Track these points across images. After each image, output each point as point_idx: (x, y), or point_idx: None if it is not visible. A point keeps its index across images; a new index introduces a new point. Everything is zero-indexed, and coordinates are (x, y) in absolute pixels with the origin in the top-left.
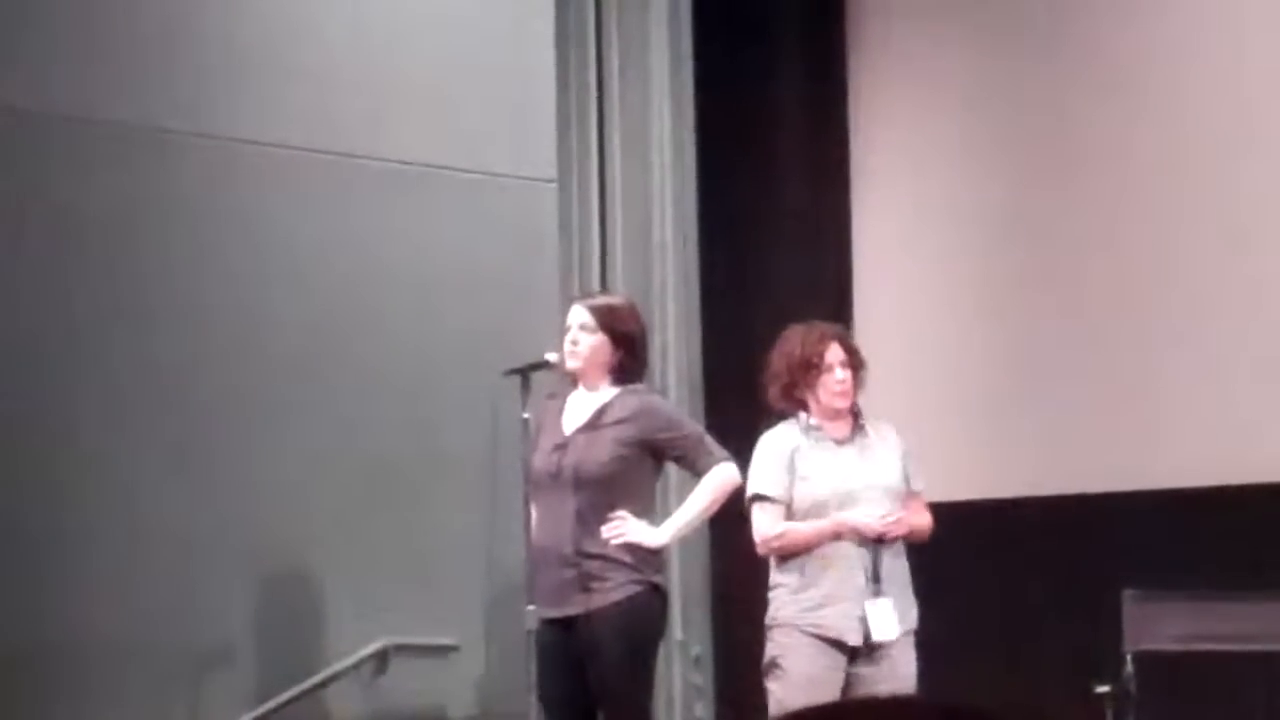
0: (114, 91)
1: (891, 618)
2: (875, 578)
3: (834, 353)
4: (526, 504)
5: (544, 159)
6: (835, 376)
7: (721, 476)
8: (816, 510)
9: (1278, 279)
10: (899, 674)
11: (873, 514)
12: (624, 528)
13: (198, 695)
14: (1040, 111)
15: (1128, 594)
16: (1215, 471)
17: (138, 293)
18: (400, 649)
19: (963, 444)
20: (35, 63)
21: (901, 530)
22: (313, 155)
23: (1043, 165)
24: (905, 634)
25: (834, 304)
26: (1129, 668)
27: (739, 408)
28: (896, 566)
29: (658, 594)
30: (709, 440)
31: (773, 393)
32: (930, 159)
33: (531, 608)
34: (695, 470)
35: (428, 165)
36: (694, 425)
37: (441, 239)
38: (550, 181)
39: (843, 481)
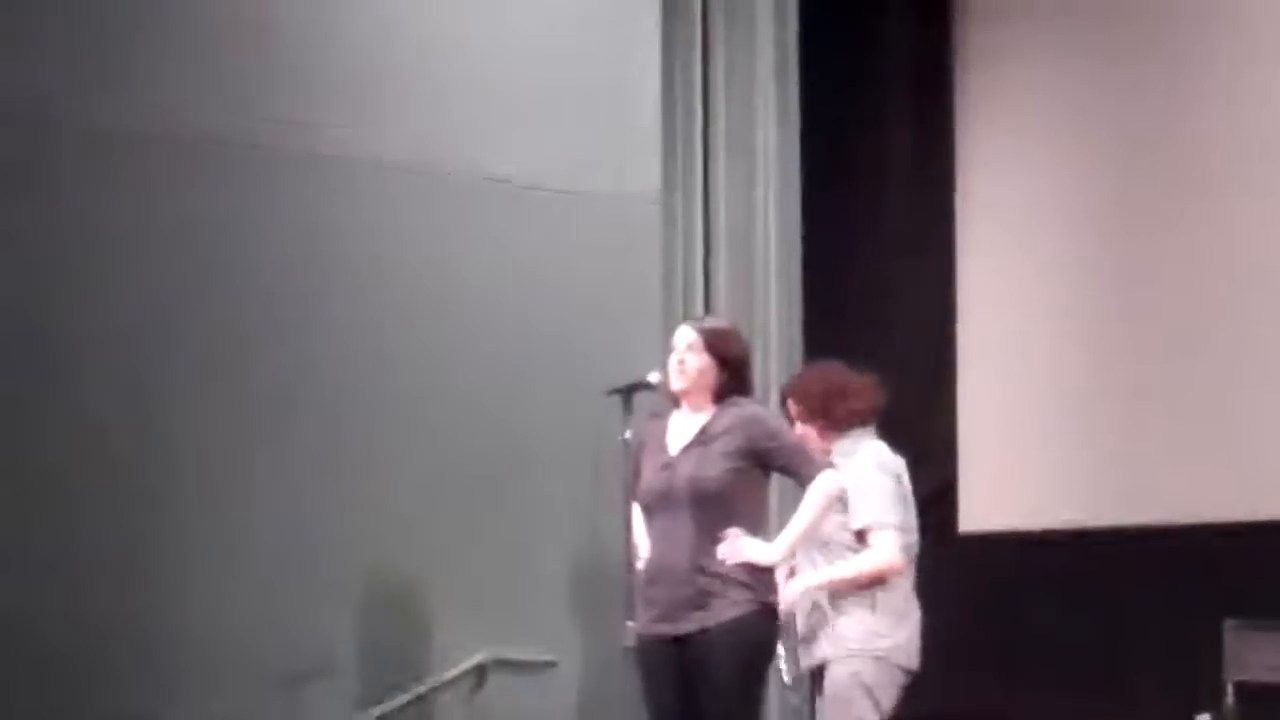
0: (214, 107)
1: None
2: None
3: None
4: (627, 523)
5: (648, 177)
6: None
7: (826, 486)
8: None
9: None
10: None
11: None
12: (738, 546)
13: (296, 706)
14: (1150, 122)
15: (1229, 624)
16: None
17: (242, 308)
18: (499, 664)
19: (1064, 470)
20: (140, 81)
21: None
22: (416, 173)
23: (1152, 176)
24: None
25: (937, 324)
26: (1229, 698)
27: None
28: None
29: (770, 614)
30: (811, 449)
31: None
32: (1036, 171)
33: (631, 625)
34: (799, 479)
35: (531, 185)
36: (796, 435)
37: (545, 258)
38: (654, 201)
39: None
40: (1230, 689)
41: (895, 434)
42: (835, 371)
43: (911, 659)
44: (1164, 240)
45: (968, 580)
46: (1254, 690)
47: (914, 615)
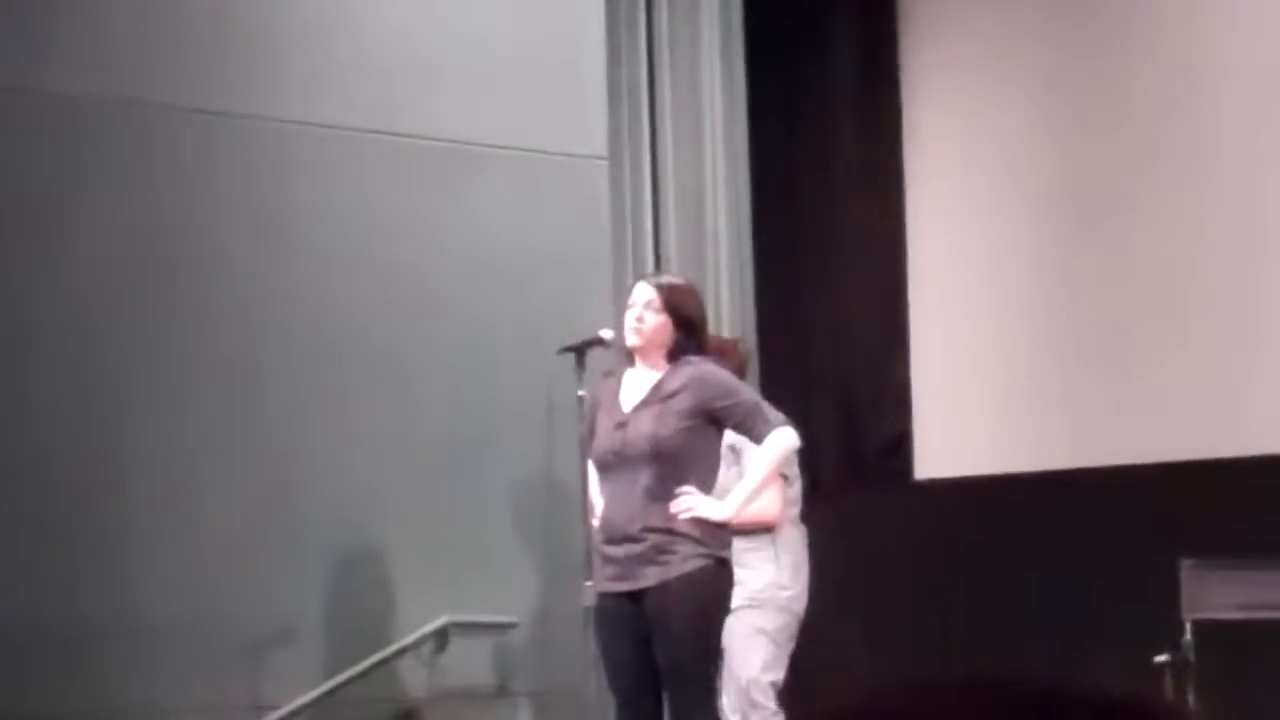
0: (162, 74)
1: None
2: None
3: None
4: (584, 481)
5: (595, 136)
6: None
7: (781, 443)
8: None
9: None
10: None
11: None
12: (691, 503)
13: (261, 673)
14: (1097, 91)
15: (1186, 563)
16: (1274, 440)
17: (191, 282)
18: (460, 626)
19: (1020, 416)
20: (87, 47)
21: None
22: (364, 136)
23: (1101, 130)
24: None
25: (887, 276)
26: (1188, 637)
27: (793, 381)
28: None
29: (724, 568)
30: (765, 406)
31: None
32: (984, 132)
33: (589, 584)
34: (753, 437)
35: (479, 144)
36: (750, 392)
37: (494, 218)
38: (602, 159)
39: None
40: (1188, 628)
41: (850, 385)
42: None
43: (803, 606)
44: (1112, 189)
45: (924, 527)
46: (1211, 628)
47: (806, 567)
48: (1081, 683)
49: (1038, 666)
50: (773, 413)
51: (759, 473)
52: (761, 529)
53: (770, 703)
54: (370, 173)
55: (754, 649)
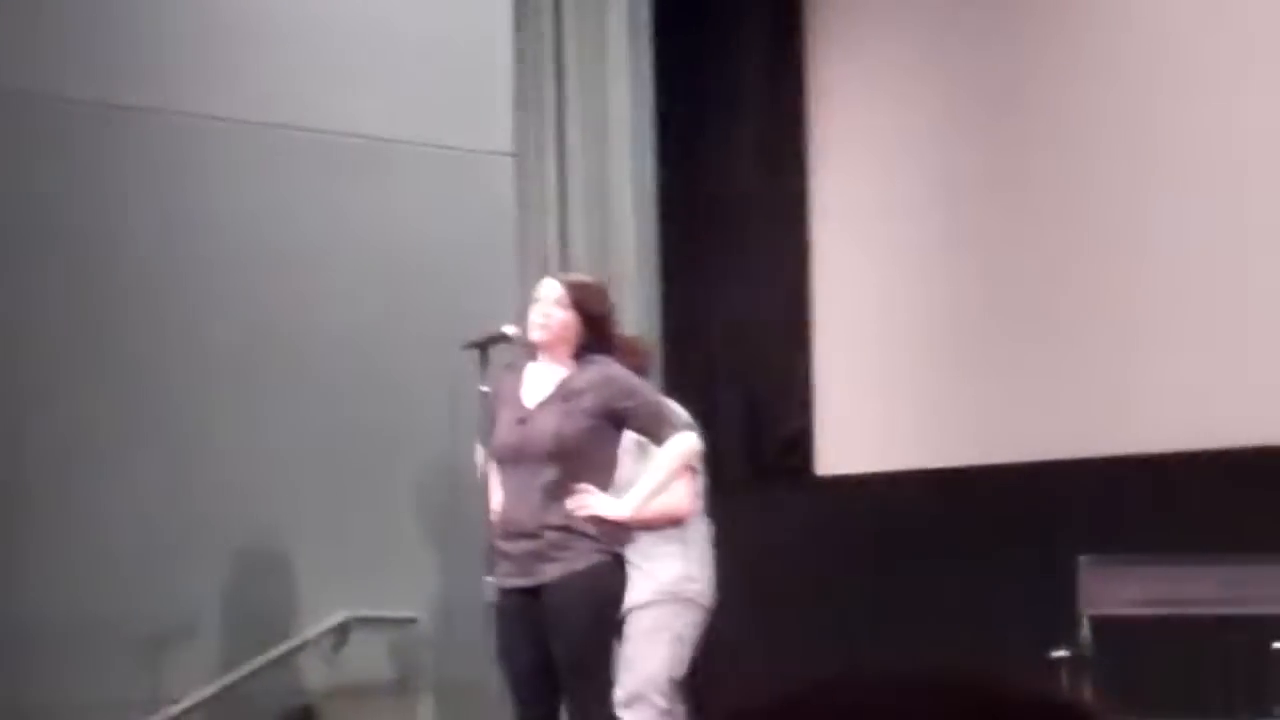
0: (58, 66)
1: None
2: None
3: None
4: (484, 476)
5: (501, 132)
6: None
7: (681, 446)
8: None
9: (1241, 245)
10: None
11: None
12: (589, 501)
13: (162, 667)
14: (1003, 86)
15: (1084, 559)
16: (1171, 438)
17: (99, 273)
18: (361, 621)
19: (920, 413)
20: (8, 41)
21: None
22: (271, 130)
23: (1005, 119)
24: None
25: (791, 274)
26: (1085, 632)
27: (697, 377)
28: None
29: (619, 565)
30: (668, 409)
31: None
32: (887, 131)
33: (490, 579)
34: (655, 439)
35: (386, 139)
36: (654, 394)
37: (398, 213)
38: (508, 155)
39: None
40: (1086, 623)
41: (752, 381)
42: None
43: (711, 600)
44: (1018, 182)
45: (823, 522)
46: (1109, 624)
47: (711, 560)
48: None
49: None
50: (676, 415)
51: (657, 474)
52: (671, 523)
53: (664, 701)
54: (277, 167)
55: (658, 644)
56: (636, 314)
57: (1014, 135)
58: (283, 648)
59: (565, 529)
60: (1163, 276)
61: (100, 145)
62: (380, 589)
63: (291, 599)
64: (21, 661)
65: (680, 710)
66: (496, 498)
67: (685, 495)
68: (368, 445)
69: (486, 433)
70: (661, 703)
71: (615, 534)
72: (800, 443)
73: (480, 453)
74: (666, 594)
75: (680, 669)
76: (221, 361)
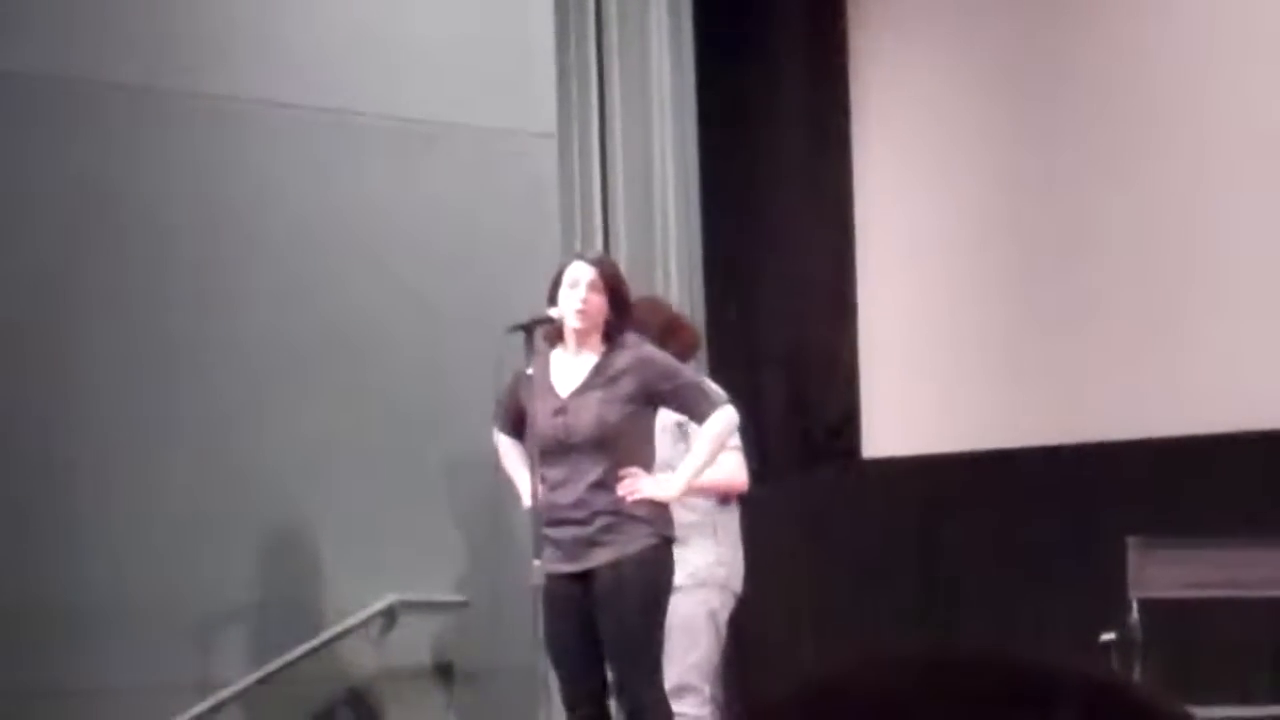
0: (112, 53)
1: None
2: None
3: None
4: (531, 457)
5: (544, 113)
6: None
7: (723, 422)
8: None
9: None
10: None
11: None
12: (637, 484)
13: (208, 653)
14: (1049, 64)
15: (1132, 541)
16: (1221, 419)
17: (140, 259)
18: (408, 605)
19: (967, 394)
20: (36, 25)
21: None
22: (311, 113)
23: (1049, 95)
24: None
25: (836, 254)
26: (1134, 615)
27: (741, 359)
28: None
29: (669, 547)
30: (707, 385)
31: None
32: (933, 105)
33: (537, 563)
34: (696, 417)
35: (427, 120)
36: (691, 372)
37: (442, 194)
38: (550, 136)
39: None
40: (1135, 606)
41: (798, 363)
42: (664, 306)
43: (740, 585)
44: (1062, 161)
45: (872, 506)
46: (1158, 606)
47: (739, 543)
48: (1059, 663)
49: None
50: (715, 392)
51: (703, 451)
52: (729, 495)
53: (709, 689)
54: (318, 149)
55: (699, 633)
56: (679, 295)
57: (1063, 106)
58: (329, 632)
59: (615, 513)
60: (1217, 255)
61: (140, 130)
62: (426, 574)
63: (339, 583)
64: (67, 647)
65: (719, 695)
66: (524, 482)
67: (742, 468)
68: (412, 429)
69: (503, 415)
70: (707, 691)
71: (664, 516)
72: (847, 425)
73: (499, 437)
74: (700, 579)
75: (718, 655)
76: (265, 346)
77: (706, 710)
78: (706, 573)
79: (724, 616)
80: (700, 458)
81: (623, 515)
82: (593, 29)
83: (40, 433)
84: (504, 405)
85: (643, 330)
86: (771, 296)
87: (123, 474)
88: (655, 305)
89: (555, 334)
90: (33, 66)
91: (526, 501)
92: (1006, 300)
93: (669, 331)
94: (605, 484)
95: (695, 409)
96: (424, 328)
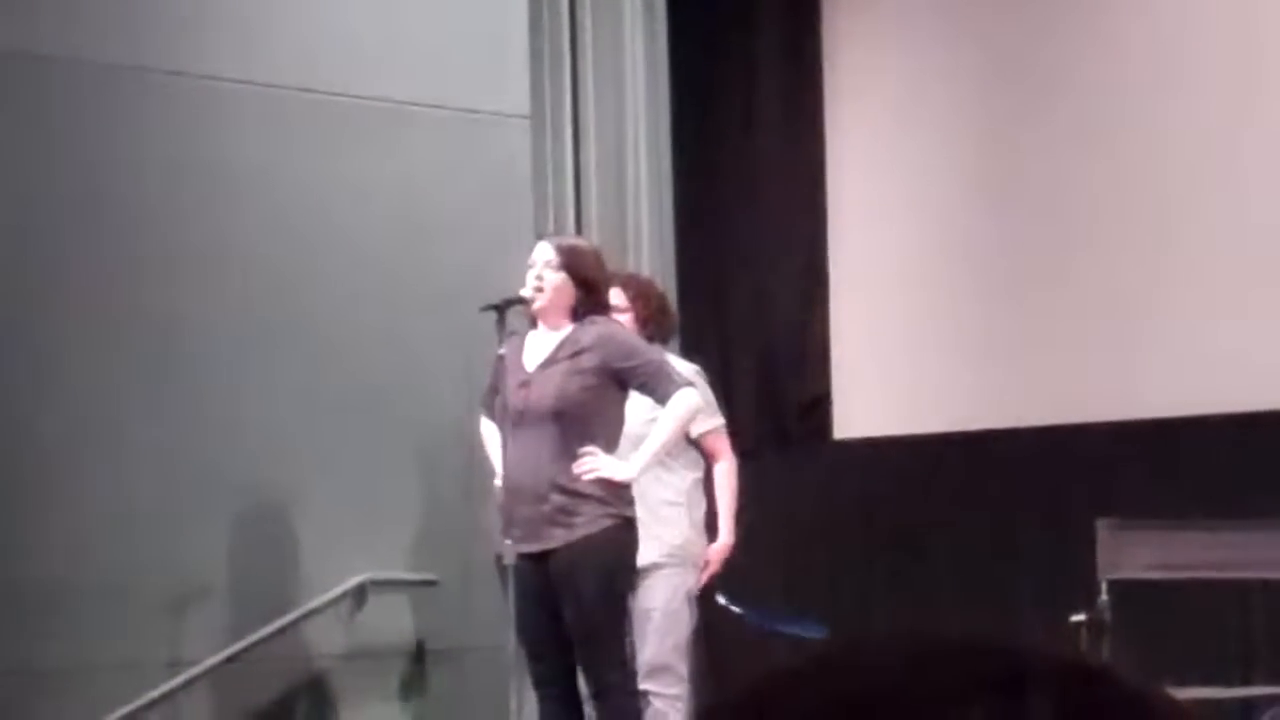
0: (89, 30)
1: None
2: None
3: None
4: (503, 436)
5: (517, 95)
6: None
7: (683, 404)
8: None
9: (1256, 213)
10: None
11: None
12: (595, 463)
13: (179, 630)
14: (1022, 22)
15: (1102, 523)
16: (1189, 401)
17: (117, 232)
18: (379, 584)
19: (939, 376)
20: (10, 3)
21: None
22: (288, 93)
23: (1024, 87)
24: None
25: (808, 236)
26: (1104, 596)
27: (713, 341)
28: None
29: (629, 527)
30: (669, 367)
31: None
32: (907, 88)
33: (508, 542)
34: (657, 397)
35: (401, 101)
36: (654, 352)
37: (416, 175)
38: (523, 117)
39: None
40: (1104, 588)
41: (770, 345)
42: (657, 285)
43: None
44: (1034, 142)
45: (843, 487)
46: (1127, 588)
47: (702, 521)
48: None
49: (954, 627)
50: (677, 374)
51: (663, 433)
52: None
53: (685, 668)
54: (293, 129)
55: (677, 614)
56: (651, 276)
57: (1035, 91)
58: (299, 611)
59: (572, 492)
60: (1189, 235)
61: (117, 109)
62: (397, 553)
63: (309, 561)
64: (37, 624)
65: (685, 682)
66: (498, 462)
67: (732, 474)
68: (383, 408)
69: (486, 396)
70: (683, 670)
71: (624, 496)
72: (818, 407)
73: (483, 421)
74: (676, 556)
75: (691, 632)
76: (237, 324)
77: (681, 689)
78: (684, 551)
79: (695, 596)
80: (659, 440)
81: (579, 495)
82: (566, 10)
83: (8, 411)
84: (488, 390)
85: (645, 301)
86: (744, 278)
87: (93, 453)
88: (652, 283)
89: (534, 315)
90: (7, 44)
91: (499, 482)
92: (979, 283)
93: (662, 310)
94: (563, 460)
95: (656, 389)
96: (397, 308)
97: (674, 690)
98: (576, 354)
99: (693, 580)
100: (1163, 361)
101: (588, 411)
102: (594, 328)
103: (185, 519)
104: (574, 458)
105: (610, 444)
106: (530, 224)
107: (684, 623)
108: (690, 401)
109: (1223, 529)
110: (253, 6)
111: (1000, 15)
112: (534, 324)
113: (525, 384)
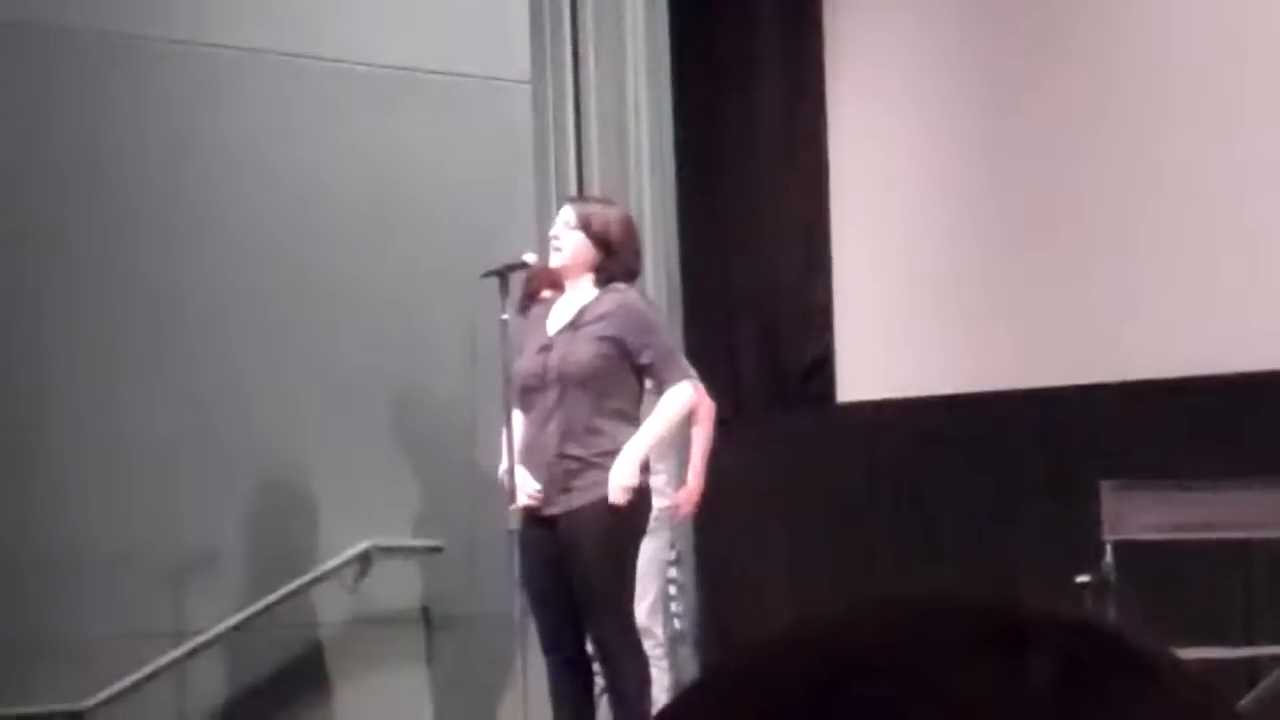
0: None
1: None
2: None
3: None
4: (507, 405)
5: (518, 60)
6: None
7: (680, 398)
8: None
9: (1254, 172)
10: None
11: None
12: (617, 485)
13: (184, 599)
14: (1026, 17)
15: (1106, 485)
16: (1192, 361)
17: (115, 202)
18: (384, 550)
19: (941, 338)
20: None
21: None
22: (288, 60)
23: (1024, 41)
24: None
25: (810, 199)
26: (1108, 558)
27: (715, 304)
28: None
29: (639, 493)
30: (679, 355)
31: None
32: (907, 57)
33: (513, 507)
34: (658, 381)
35: (401, 68)
36: (669, 337)
37: (417, 142)
38: (524, 83)
39: None
40: (1109, 549)
41: (772, 308)
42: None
43: None
44: (1035, 105)
45: (846, 450)
46: (1131, 549)
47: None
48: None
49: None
50: (683, 364)
51: (658, 426)
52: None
53: (659, 628)
54: (293, 96)
55: (654, 577)
56: (654, 241)
57: (1039, 53)
58: (305, 577)
59: (581, 459)
60: (1194, 197)
61: (112, 76)
62: (403, 519)
63: (314, 528)
64: (43, 593)
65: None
66: (518, 426)
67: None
68: (389, 373)
69: (509, 362)
70: (659, 631)
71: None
72: (821, 370)
73: (515, 414)
74: (662, 522)
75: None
76: (240, 293)
77: (660, 651)
78: (663, 517)
79: (669, 558)
80: (655, 431)
81: (589, 462)
82: None
83: (9, 379)
84: (508, 357)
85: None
86: (746, 242)
87: (97, 422)
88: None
89: (555, 277)
90: (6, 14)
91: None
92: (981, 244)
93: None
94: (572, 427)
95: (660, 373)
96: (399, 274)
97: (652, 652)
98: (594, 320)
99: (663, 542)
100: (1167, 322)
101: (602, 378)
102: (616, 295)
103: (190, 488)
104: (590, 423)
105: (629, 409)
106: (532, 190)
107: (656, 586)
108: (685, 397)
109: (1227, 489)
110: None
111: None
112: (561, 289)
113: (546, 347)
